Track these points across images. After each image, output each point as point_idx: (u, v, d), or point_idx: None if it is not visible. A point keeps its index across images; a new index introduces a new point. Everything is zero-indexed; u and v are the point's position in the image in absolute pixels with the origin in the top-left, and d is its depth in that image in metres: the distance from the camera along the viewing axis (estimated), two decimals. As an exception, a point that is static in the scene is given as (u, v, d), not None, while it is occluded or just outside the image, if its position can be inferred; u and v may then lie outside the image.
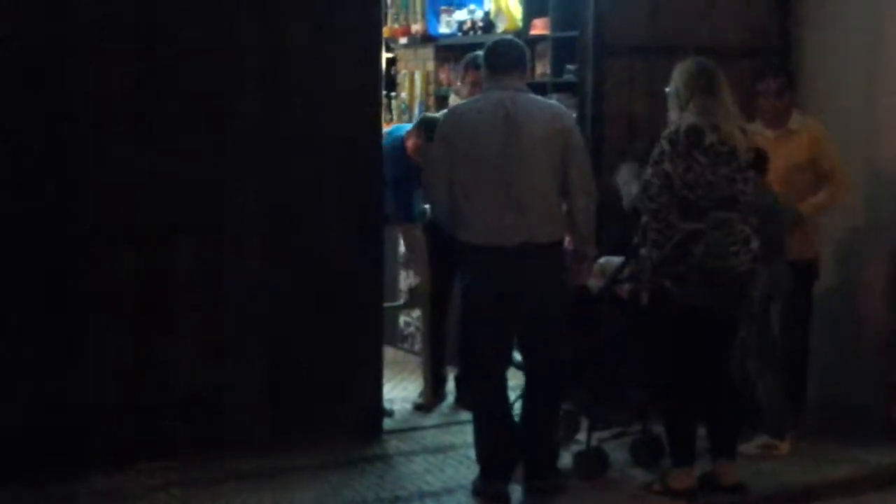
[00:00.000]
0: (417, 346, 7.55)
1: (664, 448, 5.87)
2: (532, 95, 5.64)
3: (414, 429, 6.49)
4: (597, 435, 5.95)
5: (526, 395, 5.72)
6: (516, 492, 5.59)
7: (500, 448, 5.58)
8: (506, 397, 5.66)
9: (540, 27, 8.48)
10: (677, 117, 5.48)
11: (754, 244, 5.45)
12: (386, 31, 8.84)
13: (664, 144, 5.42)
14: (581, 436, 6.08)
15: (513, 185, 5.38)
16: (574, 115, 6.92)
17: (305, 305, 6.15)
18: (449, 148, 5.48)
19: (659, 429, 5.88)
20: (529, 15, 8.58)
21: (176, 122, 5.85)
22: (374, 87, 6.31)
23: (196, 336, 5.97)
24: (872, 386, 6.64)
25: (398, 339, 8.18)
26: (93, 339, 5.78)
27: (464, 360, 6.27)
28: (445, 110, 6.64)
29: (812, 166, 6.30)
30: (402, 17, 9.72)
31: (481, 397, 5.68)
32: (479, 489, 5.59)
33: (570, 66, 7.87)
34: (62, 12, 5.61)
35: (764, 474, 5.94)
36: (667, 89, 5.61)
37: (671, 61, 6.67)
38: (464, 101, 6.10)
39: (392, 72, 9.90)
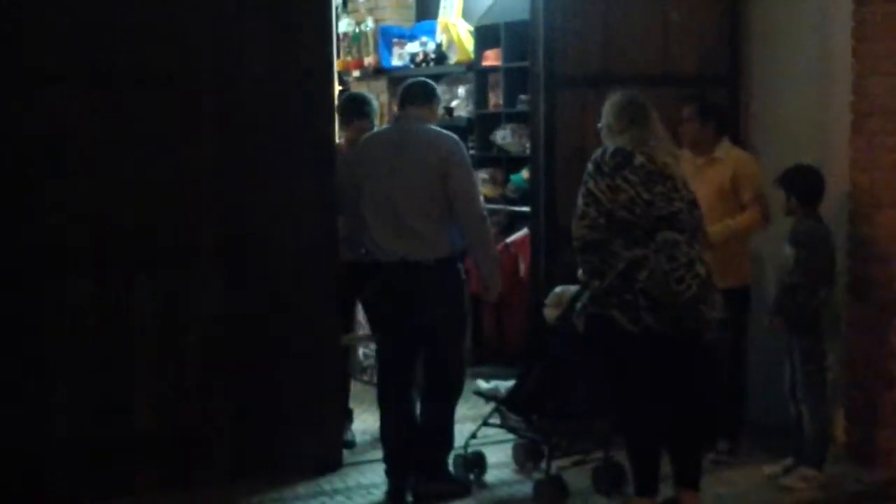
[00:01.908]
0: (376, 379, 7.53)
1: (626, 475, 5.90)
2: (429, 126, 6.01)
3: (374, 461, 6.47)
4: (557, 463, 5.98)
5: (420, 402, 6.03)
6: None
7: (400, 450, 5.99)
8: (409, 405, 6.03)
9: (492, 58, 8.55)
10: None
11: (700, 268, 5.40)
12: (339, 65, 8.88)
13: (589, 166, 5.51)
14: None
15: (396, 205, 5.82)
16: (527, 144, 6.99)
17: (265, 338, 6.15)
18: (351, 173, 6.07)
19: (621, 456, 5.89)
20: (481, 46, 8.66)
21: (133, 154, 5.86)
22: (327, 119, 6.33)
23: (156, 371, 5.96)
24: (834, 409, 6.69)
25: (357, 371, 8.17)
26: (51, 374, 5.76)
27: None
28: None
29: (734, 195, 6.45)
30: (354, 50, 9.77)
31: (383, 402, 6.08)
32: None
33: (522, 97, 7.94)
34: (17, 47, 5.63)
35: (724, 498, 5.99)
36: (598, 125, 5.70)
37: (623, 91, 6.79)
38: (372, 132, 6.52)
39: (346, 104, 9.92)
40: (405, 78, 9.17)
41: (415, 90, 6.07)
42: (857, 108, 6.51)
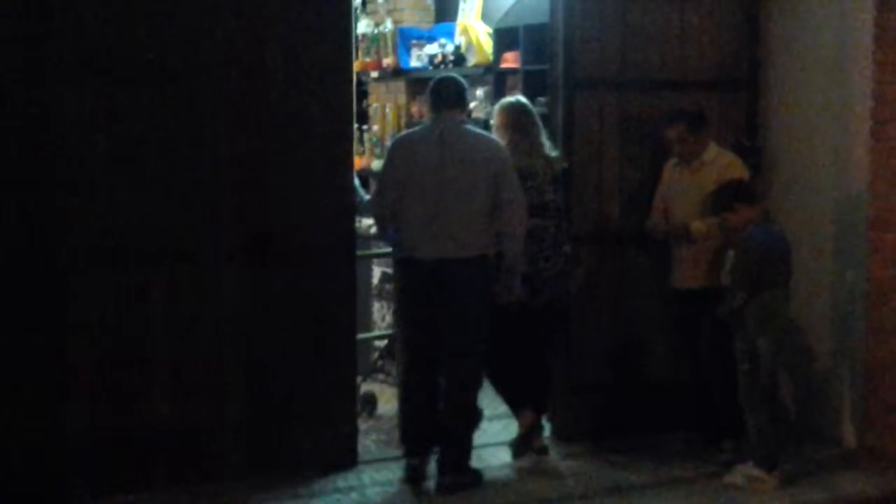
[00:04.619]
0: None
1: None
2: (469, 127, 6.24)
3: (388, 459, 6.49)
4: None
5: (443, 396, 6.17)
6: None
7: (420, 431, 6.19)
8: (431, 389, 6.21)
9: (511, 60, 8.54)
10: None
11: (566, 248, 6.43)
12: (357, 65, 8.87)
13: None
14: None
15: (441, 204, 6.00)
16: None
17: (280, 336, 6.17)
18: (394, 174, 6.12)
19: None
20: (500, 48, 8.65)
21: (152, 148, 5.89)
22: (345, 119, 6.34)
23: (172, 366, 5.98)
24: (846, 413, 6.69)
25: (372, 370, 8.16)
26: (68, 368, 5.79)
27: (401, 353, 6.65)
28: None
29: None
30: (373, 50, 9.77)
31: (406, 385, 6.27)
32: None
33: (541, 99, 7.93)
34: (41, 39, 5.66)
35: (739, 502, 6.00)
36: (491, 122, 6.57)
37: (641, 94, 6.84)
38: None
39: (364, 105, 9.94)
40: (423, 79, 9.26)
41: (451, 93, 6.18)
42: (876, 114, 6.50)
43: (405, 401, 6.29)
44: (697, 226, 6.45)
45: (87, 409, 5.82)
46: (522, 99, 6.69)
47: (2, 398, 5.67)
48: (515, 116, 6.45)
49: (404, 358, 6.39)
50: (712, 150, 6.62)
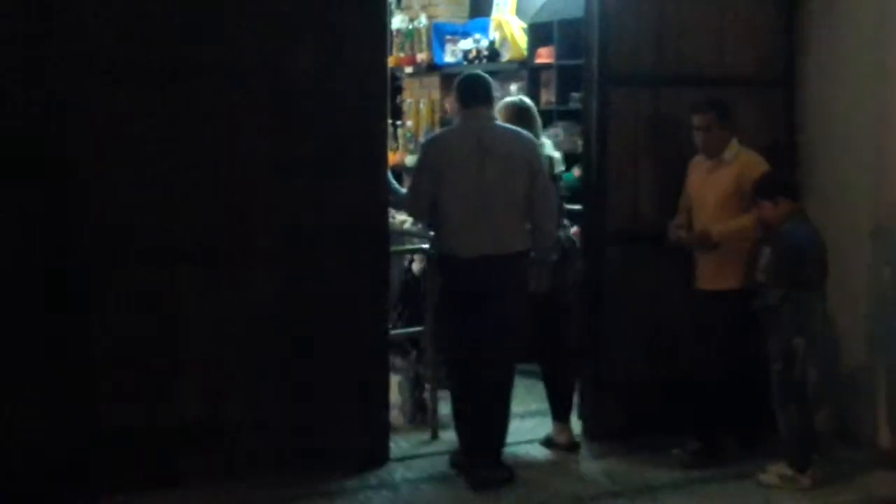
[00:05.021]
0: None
1: None
2: (501, 124, 6.33)
3: (420, 456, 6.49)
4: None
5: (477, 390, 6.12)
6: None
7: (482, 433, 6.12)
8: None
9: (545, 56, 8.54)
10: None
11: (561, 234, 6.54)
12: (392, 61, 8.90)
13: None
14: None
15: (483, 203, 6.06)
16: (579, 142, 7.02)
17: (310, 331, 6.16)
18: (431, 172, 6.15)
19: None
20: (534, 44, 8.65)
21: (180, 145, 5.89)
22: (379, 113, 6.34)
23: (201, 363, 5.99)
24: (882, 414, 6.64)
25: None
26: (97, 365, 5.81)
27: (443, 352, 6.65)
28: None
29: (738, 197, 6.38)
30: (407, 46, 9.78)
31: (459, 388, 6.24)
32: (464, 469, 6.16)
33: (574, 94, 7.93)
34: (41, 39, 5.66)
35: (771, 501, 5.97)
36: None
37: (676, 91, 6.79)
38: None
39: (398, 100, 9.95)
40: (457, 75, 9.24)
41: (483, 90, 6.24)
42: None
43: (466, 403, 6.18)
44: (719, 229, 6.34)
45: (117, 404, 5.84)
46: (525, 99, 6.88)
47: (30, 392, 5.70)
48: (514, 116, 6.55)
49: (452, 357, 6.34)
50: (733, 148, 6.49)
